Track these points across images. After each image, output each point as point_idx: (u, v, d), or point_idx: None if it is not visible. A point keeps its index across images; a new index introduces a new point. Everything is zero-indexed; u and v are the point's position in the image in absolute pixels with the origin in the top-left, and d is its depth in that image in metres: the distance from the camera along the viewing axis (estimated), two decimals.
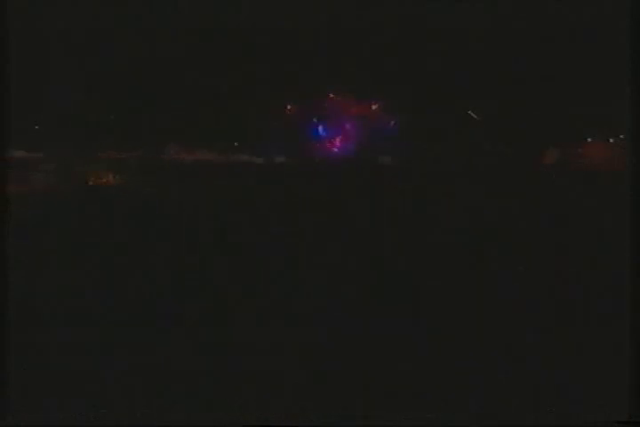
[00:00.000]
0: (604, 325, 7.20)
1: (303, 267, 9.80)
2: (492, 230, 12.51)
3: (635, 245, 6.96)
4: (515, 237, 11.70)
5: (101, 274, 9.86)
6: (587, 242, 10.94)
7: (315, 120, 14.71)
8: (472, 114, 12.59)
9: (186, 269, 10.06)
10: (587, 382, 6.37)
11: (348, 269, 9.78)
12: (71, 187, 13.43)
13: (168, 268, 10.15)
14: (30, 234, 12.49)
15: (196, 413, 6.17)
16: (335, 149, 15.91)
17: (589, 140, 12.82)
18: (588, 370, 6.51)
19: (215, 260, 10.73)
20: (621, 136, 12.09)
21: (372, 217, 15.03)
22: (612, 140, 12.48)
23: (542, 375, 6.49)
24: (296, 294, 8.58)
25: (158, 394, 6.41)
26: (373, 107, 14.32)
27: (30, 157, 12.10)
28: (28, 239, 12.05)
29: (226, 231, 12.85)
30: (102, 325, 7.73)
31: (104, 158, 12.75)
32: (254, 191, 13.57)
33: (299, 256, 10.67)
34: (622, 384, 6.10)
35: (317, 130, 15.02)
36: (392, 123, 14.22)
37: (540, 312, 7.70)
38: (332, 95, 14.17)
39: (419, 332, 7.37)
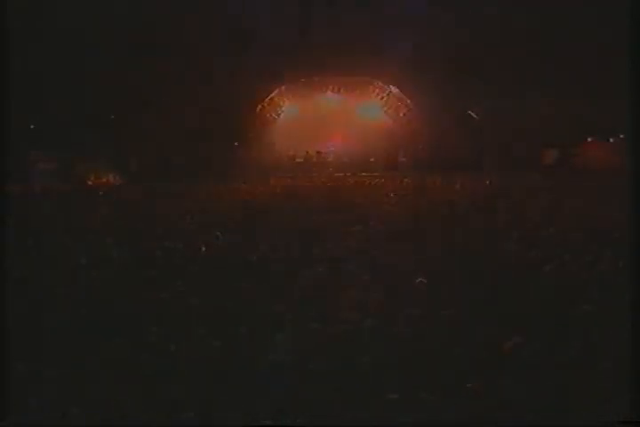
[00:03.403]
0: (604, 324, 7.22)
1: (302, 265, 9.82)
2: (493, 230, 12.54)
3: (635, 245, 6.96)
4: (515, 236, 11.73)
5: (101, 274, 9.88)
6: (587, 241, 10.97)
7: (314, 118, 14.77)
8: (472, 114, 12.60)
9: (186, 267, 10.08)
10: (587, 381, 6.37)
11: (349, 266, 9.80)
12: (71, 187, 13.44)
13: (168, 266, 10.16)
14: (30, 234, 12.53)
15: (196, 413, 6.17)
16: (333, 148, 15.88)
17: (589, 139, 12.88)
18: (588, 370, 6.52)
19: (216, 258, 10.75)
20: (621, 136, 12.11)
21: (371, 215, 15.05)
22: (611, 140, 12.52)
23: (542, 375, 6.50)
24: (296, 294, 8.59)
25: (158, 394, 6.42)
26: (372, 106, 14.37)
27: (30, 156, 12.14)
28: (27, 239, 12.08)
29: (226, 230, 12.88)
30: (103, 324, 7.75)
31: (104, 158, 12.80)
32: (254, 189, 13.55)
33: (298, 254, 10.69)
34: (622, 384, 6.11)
35: (317, 129, 15.07)
36: (392, 122, 14.27)
37: (540, 312, 7.71)
38: (330, 94, 14.22)
39: (417, 328, 7.39)
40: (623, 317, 6.53)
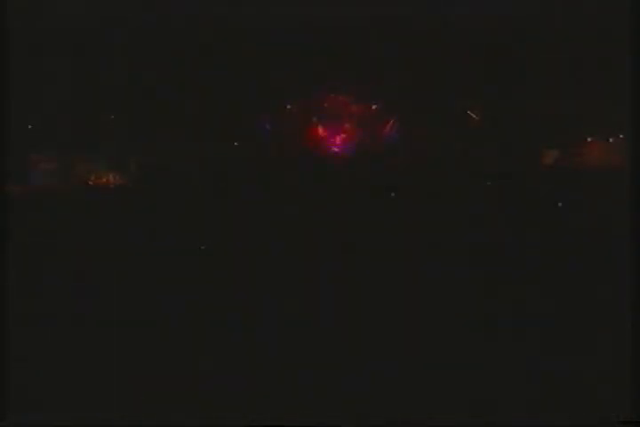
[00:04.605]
0: (604, 325, 7.21)
1: (302, 264, 9.80)
2: (491, 231, 12.50)
3: (635, 245, 6.96)
4: (515, 238, 11.70)
5: (101, 273, 9.86)
6: (587, 242, 10.94)
7: (315, 120, 14.73)
8: (472, 114, 12.59)
9: (188, 268, 10.06)
10: (587, 381, 6.37)
11: (348, 266, 9.78)
12: (71, 187, 13.41)
13: (169, 267, 10.14)
14: (30, 234, 12.49)
15: (196, 413, 6.17)
16: (335, 149, 15.90)
17: (589, 139, 12.84)
18: (588, 370, 6.52)
19: (218, 258, 10.72)
20: (621, 136, 12.09)
21: (370, 216, 15.01)
22: (611, 140, 12.49)
23: (542, 375, 6.49)
24: (296, 295, 8.58)
25: (158, 394, 6.41)
26: (373, 107, 14.33)
27: (30, 157, 12.10)
28: (28, 239, 12.05)
29: (227, 231, 12.85)
30: (102, 324, 7.73)
31: (104, 158, 12.74)
32: (255, 190, 13.56)
33: (297, 255, 10.67)
34: (622, 384, 6.10)
35: (317, 129, 15.03)
36: (392, 122, 14.23)
37: (541, 313, 7.71)
38: (332, 95, 14.19)
39: (420, 329, 7.38)
40: (623, 317, 6.53)
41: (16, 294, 8.03)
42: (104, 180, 13.33)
